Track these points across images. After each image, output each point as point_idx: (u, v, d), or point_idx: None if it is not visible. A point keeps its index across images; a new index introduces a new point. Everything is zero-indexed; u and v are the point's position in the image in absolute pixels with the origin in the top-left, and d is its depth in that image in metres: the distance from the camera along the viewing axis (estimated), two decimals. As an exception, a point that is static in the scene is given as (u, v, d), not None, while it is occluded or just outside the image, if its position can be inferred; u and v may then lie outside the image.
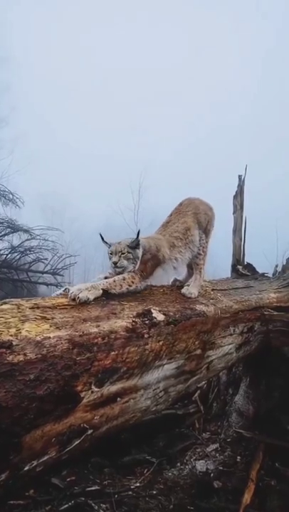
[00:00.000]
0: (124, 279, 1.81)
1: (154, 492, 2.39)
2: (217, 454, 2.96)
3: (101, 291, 1.64)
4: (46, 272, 8.10)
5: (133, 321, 1.55)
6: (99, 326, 1.41)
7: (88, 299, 1.54)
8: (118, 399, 1.37)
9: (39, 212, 17.92)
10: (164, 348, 1.64)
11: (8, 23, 19.73)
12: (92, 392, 1.24)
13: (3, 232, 7.17)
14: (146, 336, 1.55)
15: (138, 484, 2.46)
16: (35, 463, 1.05)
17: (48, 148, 19.54)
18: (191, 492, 2.42)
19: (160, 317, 1.71)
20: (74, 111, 22.56)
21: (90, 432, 1.24)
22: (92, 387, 1.24)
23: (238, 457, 2.87)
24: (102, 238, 1.95)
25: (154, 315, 1.69)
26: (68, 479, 2.39)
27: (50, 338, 1.20)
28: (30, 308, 1.34)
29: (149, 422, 3.41)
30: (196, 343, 1.89)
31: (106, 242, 1.96)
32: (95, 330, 1.37)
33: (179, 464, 2.83)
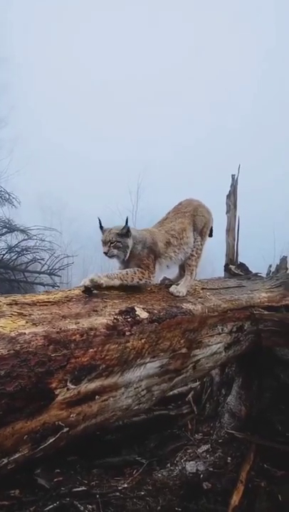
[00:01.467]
0: (135, 272, 1.89)
1: (142, 493, 2.36)
2: (208, 455, 2.93)
3: (116, 282, 1.78)
4: (43, 273, 8.09)
5: (114, 319, 1.54)
6: (78, 322, 1.40)
7: (102, 284, 1.68)
8: (96, 397, 1.35)
9: (38, 213, 17.96)
10: (146, 346, 1.62)
11: (7, 22, 19.77)
12: (68, 389, 1.22)
13: (-1, 232, 7.17)
14: (127, 333, 1.53)
15: (126, 485, 2.43)
16: (5, 460, 1.03)
17: (48, 149, 19.57)
18: (180, 493, 2.39)
19: (143, 315, 1.69)
20: (73, 111, 22.61)
21: (65, 430, 1.22)
22: (68, 384, 1.23)
23: (229, 458, 2.84)
24: (100, 223, 1.97)
25: (137, 313, 1.67)
26: (55, 480, 2.37)
27: (25, 334, 1.19)
28: (7, 305, 1.33)
29: (140, 422, 3.41)
30: (182, 341, 1.87)
31: (102, 228, 1.98)
32: (74, 327, 1.36)
33: (169, 465, 2.80)
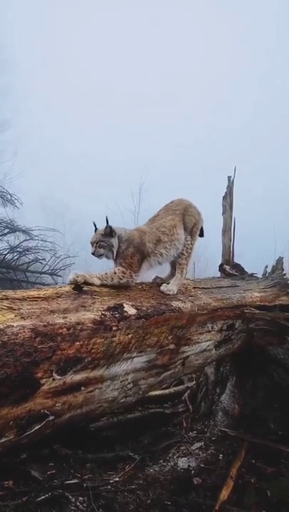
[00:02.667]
0: (114, 272, 1.94)
1: (133, 487, 2.41)
2: (200, 452, 2.97)
3: (96, 280, 1.83)
4: (44, 273, 8.19)
5: (102, 314, 1.60)
6: (66, 317, 1.46)
7: (80, 281, 1.74)
8: (82, 388, 1.41)
9: (42, 214, 18.15)
10: (133, 341, 1.68)
11: (7, 23, 19.97)
12: (53, 379, 1.29)
13: (0, 233, 7.30)
14: (114, 328, 1.59)
15: (117, 479, 2.48)
16: (-9, 444, 1.10)
17: (50, 150, 19.80)
18: (170, 488, 2.44)
19: (131, 311, 1.75)
20: (74, 112, 22.82)
21: (51, 418, 1.28)
22: (54, 374, 1.29)
23: (221, 455, 2.89)
24: (95, 226, 2.09)
25: (125, 309, 1.73)
26: (48, 472, 2.43)
27: (13, 326, 1.25)
28: (-2, 299, 1.40)
29: (135, 420, 3.47)
30: (169, 337, 1.92)
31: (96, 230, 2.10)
32: (61, 321, 1.42)
33: (161, 461, 2.84)
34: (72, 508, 2.10)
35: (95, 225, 2.07)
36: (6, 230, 7.36)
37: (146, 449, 3.03)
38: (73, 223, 18.04)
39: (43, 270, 8.28)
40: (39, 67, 23.12)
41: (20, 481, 2.27)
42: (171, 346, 1.94)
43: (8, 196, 7.39)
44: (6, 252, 7.50)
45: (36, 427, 1.24)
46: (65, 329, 1.40)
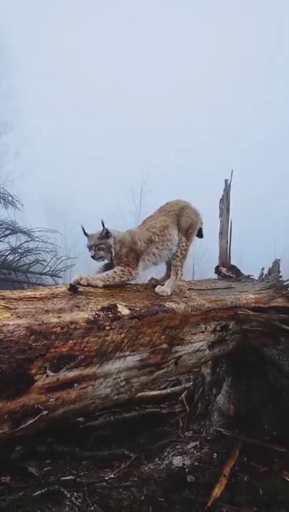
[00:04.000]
0: (115, 272, 2.02)
1: (128, 484, 2.47)
2: (195, 451, 3.02)
3: (99, 282, 1.93)
4: (45, 274, 8.26)
5: (96, 314, 1.66)
6: (60, 316, 1.52)
7: (83, 283, 1.85)
8: (75, 385, 1.47)
9: (43, 215, 18.29)
10: (126, 341, 1.73)
11: (9, 26, 20.18)
12: (47, 376, 1.35)
13: (1, 234, 7.39)
14: (107, 327, 1.65)
15: (113, 476, 2.54)
16: (-13, 436, 1.16)
17: (51, 151, 19.98)
18: (164, 485, 2.49)
19: (125, 311, 1.81)
20: (75, 112, 23.03)
21: (45, 412, 1.34)
22: (48, 371, 1.35)
23: (215, 454, 2.93)
24: (84, 230, 2.14)
25: (119, 309, 1.79)
26: (45, 469, 2.49)
27: (9, 325, 1.32)
28: (-5, 299, 1.46)
29: (132, 419, 3.53)
30: (162, 337, 1.98)
31: (86, 234, 2.14)
32: (56, 320, 1.48)
33: (156, 460, 2.90)
34: (67, 503, 2.16)
35: (83, 230, 2.13)
36: (8, 232, 7.45)
37: (142, 447, 3.08)
38: (75, 224, 18.16)
39: (44, 271, 8.36)
40: (39, 68, 23.38)
41: (17, 476, 2.33)
42: (164, 346, 1.99)
43: (10, 198, 7.49)
44: (7, 253, 7.58)
45: (30, 421, 1.29)
46: (59, 328, 1.46)
